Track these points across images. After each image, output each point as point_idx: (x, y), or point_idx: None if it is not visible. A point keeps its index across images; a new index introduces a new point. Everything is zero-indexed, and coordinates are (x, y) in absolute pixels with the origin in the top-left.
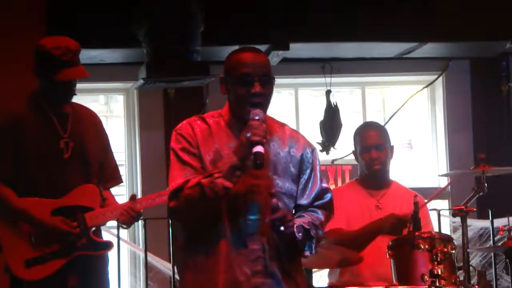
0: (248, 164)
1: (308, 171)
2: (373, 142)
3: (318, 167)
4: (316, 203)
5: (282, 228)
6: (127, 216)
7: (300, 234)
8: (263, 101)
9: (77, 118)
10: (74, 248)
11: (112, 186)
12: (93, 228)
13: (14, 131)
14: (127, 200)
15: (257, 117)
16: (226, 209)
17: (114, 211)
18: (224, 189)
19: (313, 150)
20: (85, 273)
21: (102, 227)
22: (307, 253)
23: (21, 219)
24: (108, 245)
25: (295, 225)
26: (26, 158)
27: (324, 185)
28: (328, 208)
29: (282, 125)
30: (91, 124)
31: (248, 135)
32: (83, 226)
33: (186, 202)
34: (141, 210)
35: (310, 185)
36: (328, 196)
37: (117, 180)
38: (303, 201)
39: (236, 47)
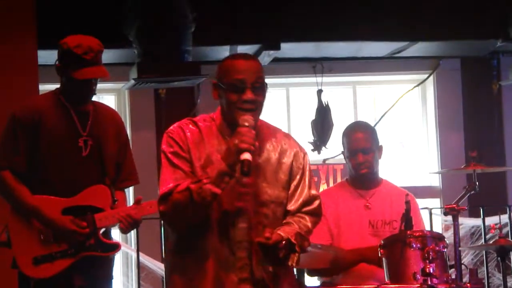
0: (236, 171)
1: (298, 176)
2: (360, 145)
3: (307, 173)
4: (304, 209)
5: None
6: (125, 223)
7: (284, 252)
8: (255, 107)
9: (98, 117)
10: (82, 248)
11: (128, 186)
12: (102, 229)
13: (33, 126)
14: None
15: (246, 124)
16: (214, 217)
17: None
18: (212, 195)
19: (304, 155)
20: (92, 274)
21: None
22: (289, 264)
23: (32, 216)
24: (116, 246)
25: (282, 242)
26: (44, 154)
27: (313, 192)
28: (316, 213)
29: (275, 130)
30: (111, 123)
31: (236, 141)
32: (92, 226)
33: (175, 206)
34: (141, 217)
35: (299, 190)
36: (317, 202)
37: (133, 181)
38: (291, 206)
39: (227, 47)
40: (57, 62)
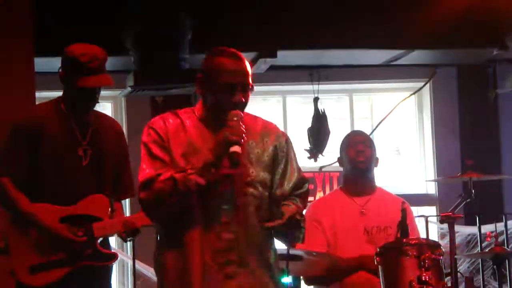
0: (223, 163)
1: (284, 160)
2: (360, 139)
3: (293, 155)
4: (295, 192)
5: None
6: (126, 230)
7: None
8: (242, 108)
9: (98, 127)
10: (79, 257)
11: (125, 198)
12: (100, 239)
13: (33, 135)
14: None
15: (235, 118)
16: (199, 198)
17: (121, 224)
18: (196, 185)
19: (287, 139)
20: (88, 283)
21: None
22: (296, 241)
23: (29, 224)
24: (113, 256)
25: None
26: (43, 162)
27: (301, 175)
28: (305, 197)
29: (254, 117)
30: (112, 134)
31: (227, 134)
32: (89, 236)
33: (157, 195)
34: (140, 226)
35: (287, 175)
36: (306, 186)
37: (131, 193)
38: (282, 190)
39: None
40: (60, 70)
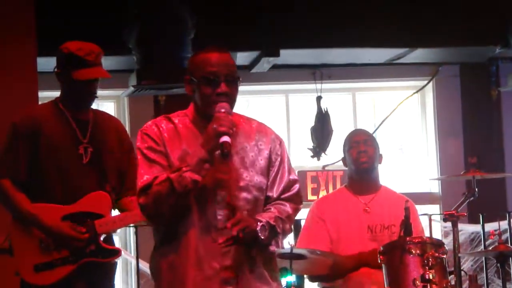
0: (216, 156)
1: (277, 163)
2: (362, 138)
3: (286, 159)
4: (283, 196)
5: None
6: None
7: (266, 233)
8: (229, 100)
9: (98, 124)
10: (83, 254)
11: (131, 195)
12: (103, 235)
13: (32, 134)
14: None
15: (223, 110)
16: (195, 204)
17: (124, 219)
18: (193, 182)
19: (281, 142)
20: (93, 280)
21: None
22: (273, 248)
23: (31, 224)
24: (117, 252)
25: (259, 225)
26: (44, 162)
27: (292, 176)
28: (295, 200)
29: (249, 119)
30: (113, 131)
31: (215, 126)
32: (92, 232)
33: (155, 198)
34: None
35: (279, 177)
36: (296, 187)
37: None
38: (272, 193)
39: None
40: (56, 69)
